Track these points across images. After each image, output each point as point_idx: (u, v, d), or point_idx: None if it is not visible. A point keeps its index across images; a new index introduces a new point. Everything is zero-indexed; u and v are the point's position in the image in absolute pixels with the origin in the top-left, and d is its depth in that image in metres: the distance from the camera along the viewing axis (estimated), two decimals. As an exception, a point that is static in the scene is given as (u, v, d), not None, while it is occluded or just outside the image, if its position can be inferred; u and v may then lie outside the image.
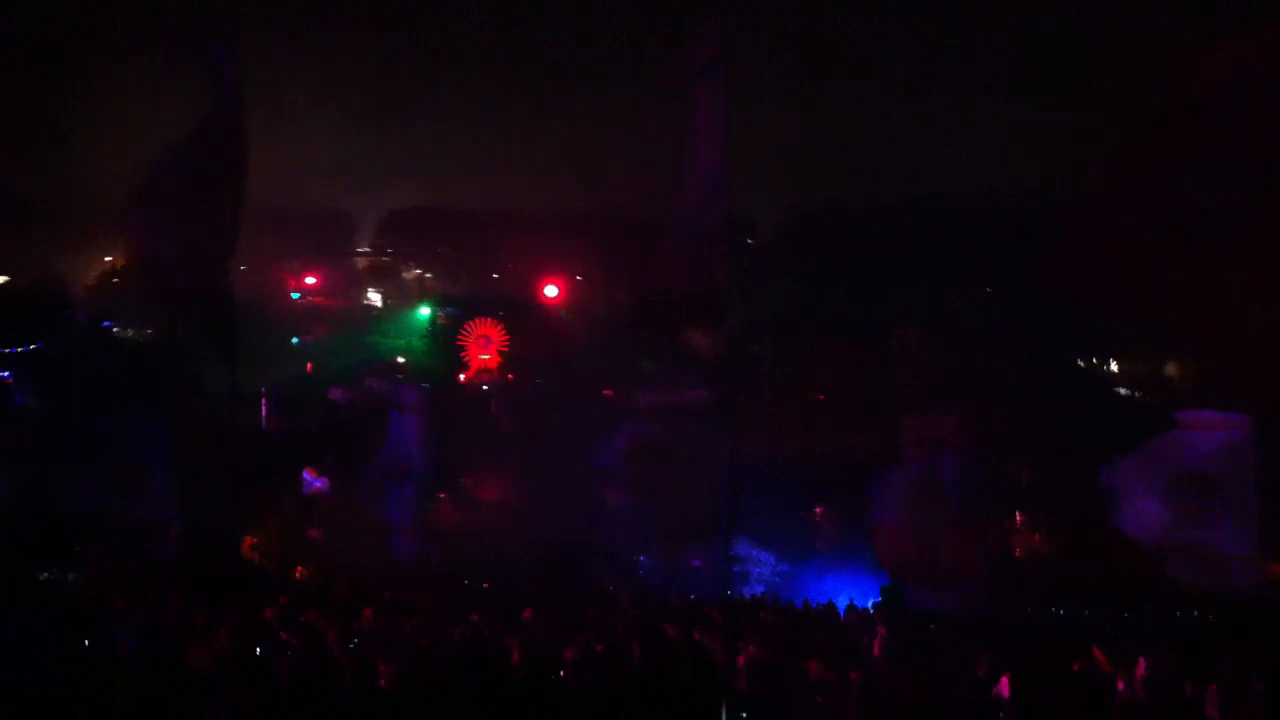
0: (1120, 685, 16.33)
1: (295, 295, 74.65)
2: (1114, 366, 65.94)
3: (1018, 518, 38.91)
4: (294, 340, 68.19)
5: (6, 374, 45.67)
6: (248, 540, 33.40)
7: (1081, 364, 64.05)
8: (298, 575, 31.33)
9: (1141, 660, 16.68)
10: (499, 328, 61.00)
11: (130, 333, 62.63)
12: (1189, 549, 19.13)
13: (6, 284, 61.83)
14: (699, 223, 14.66)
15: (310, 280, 76.36)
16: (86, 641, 14.40)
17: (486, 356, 61.14)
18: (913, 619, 21.11)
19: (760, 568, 36.29)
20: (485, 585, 29.02)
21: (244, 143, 15.19)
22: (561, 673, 15.67)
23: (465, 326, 61.65)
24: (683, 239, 14.96)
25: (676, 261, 15.09)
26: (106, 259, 76.69)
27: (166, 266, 14.82)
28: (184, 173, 14.61)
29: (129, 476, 23.31)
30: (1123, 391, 61.08)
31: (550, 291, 63.22)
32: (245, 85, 15.58)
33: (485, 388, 59.70)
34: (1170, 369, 60.23)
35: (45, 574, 26.15)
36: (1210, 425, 18.93)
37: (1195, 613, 25.12)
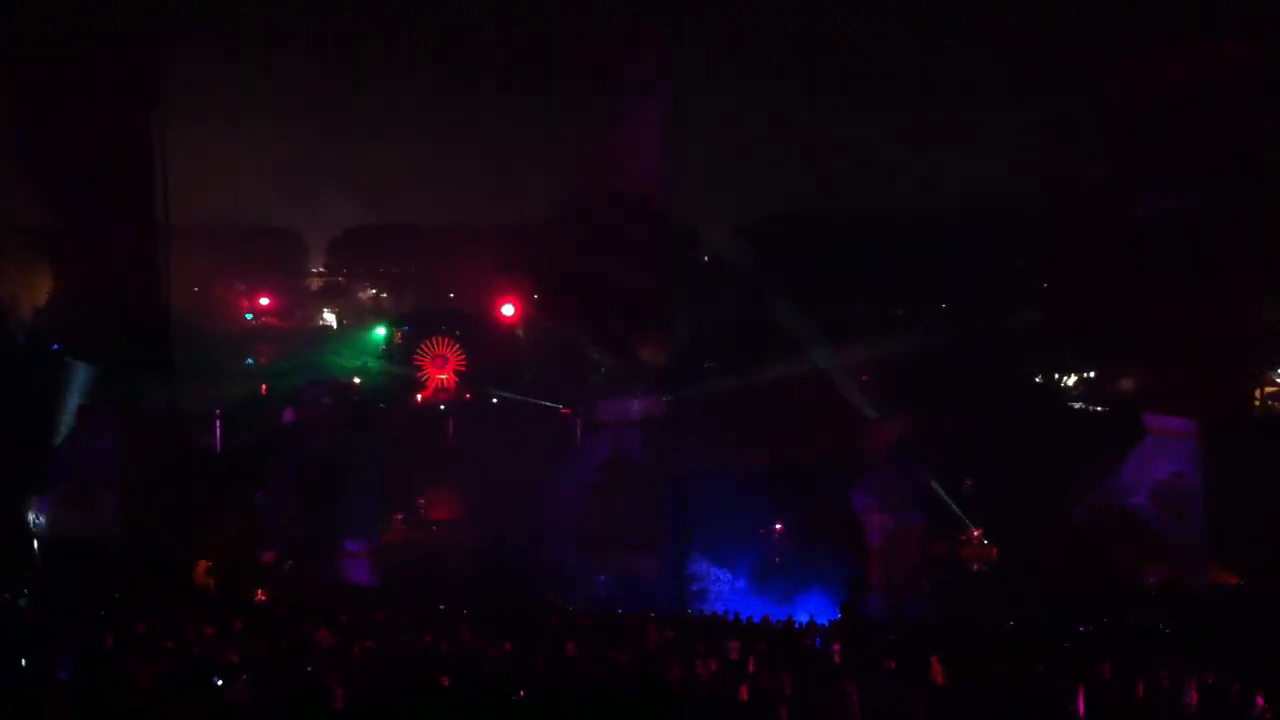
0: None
1: (249, 316, 74.01)
2: (1069, 380, 66.59)
3: (974, 532, 39.07)
4: (248, 361, 67.55)
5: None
6: (202, 564, 32.95)
7: (1038, 379, 64.57)
8: (258, 598, 30.91)
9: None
10: (455, 346, 60.72)
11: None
12: (1152, 549, 19.53)
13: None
14: (642, 236, 14.70)
15: (264, 301, 75.68)
16: (23, 662, 14.14)
17: (444, 376, 60.81)
18: (872, 632, 21.17)
19: (718, 585, 36.17)
20: (440, 606, 28.76)
21: (158, 160, 15.05)
22: (522, 693, 15.57)
23: (422, 345, 61.32)
24: (628, 252, 14.99)
25: (623, 274, 15.11)
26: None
27: (92, 286, 14.63)
28: (100, 192, 14.46)
29: (77, 497, 23.08)
30: (1077, 405, 61.58)
31: (507, 310, 62.93)
32: (175, 107, 15.44)
33: (442, 407, 59.37)
34: (1123, 383, 60.88)
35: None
36: (1169, 433, 19.27)
37: (1149, 618, 25.32)
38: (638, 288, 14.18)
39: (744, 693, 16.05)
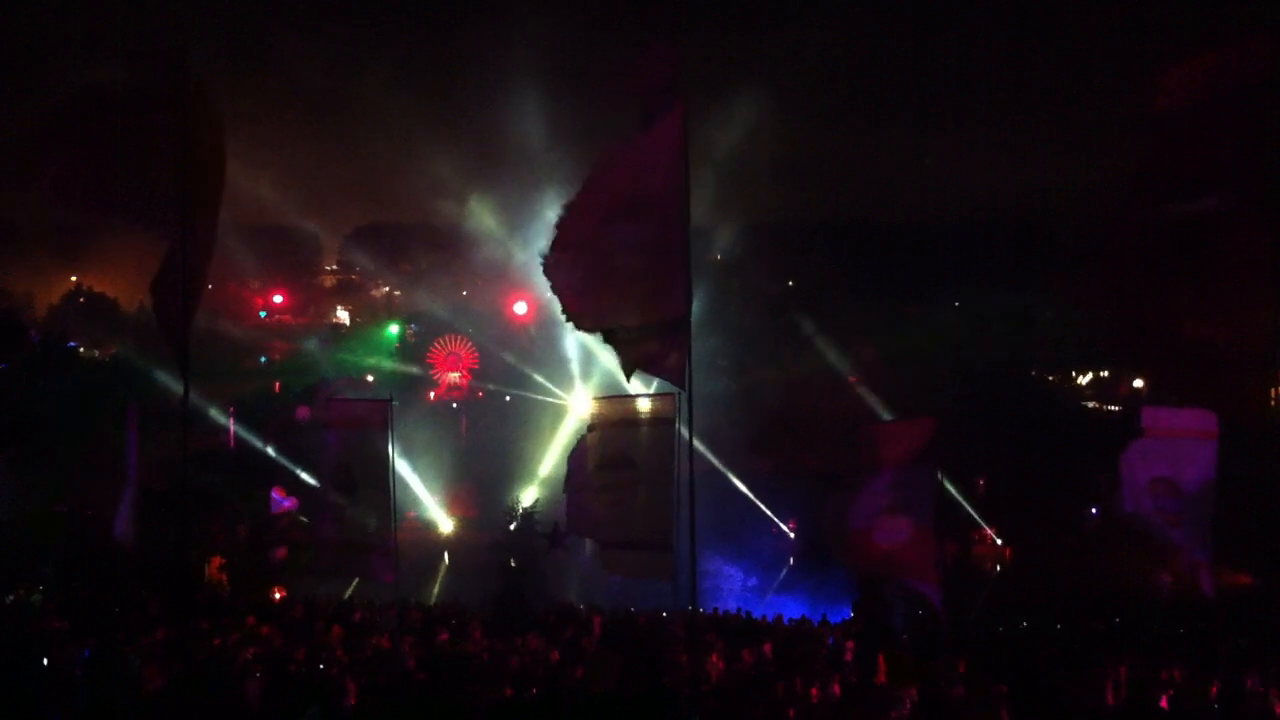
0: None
1: (263, 314, 74.26)
2: (1082, 380, 66.52)
3: (987, 531, 39.08)
4: (262, 359, 67.80)
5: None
6: (215, 561, 33.05)
7: (1051, 378, 64.54)
8: (275, 597, 31.02)
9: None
10: (468, 345, 60.77)
11: (95, 352, 62.17)
12: (1161, 553, 19.46)
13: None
14: (659, 239, 14.69)
15: (278, 299, 76.00)
16: (45, 661, 14.20)
17: (457, 373, 60.88)
18: (884, 632, 21.14)
19: (730, 582, 36.22)
20: (453, 605, 28.79)
21: (223, 158, 15.09)
22: (534, 690, 15.59)
23: (435, 343, 61.39)
24: (644, 257, 14.95)
25: (640, 279, 15.06)
26: (71, 279, 76.34)
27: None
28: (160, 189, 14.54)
29: (89, 496, 23.10)
30: (1090, 405, 61.58)
31: (519, 308, 63.02)
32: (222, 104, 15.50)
33: (455, 404, 59.47)
34: (1137, 381, 60.85)
35: (10, 597, 25.76)
36: (1179, 431, 19.08)
37: (1155, 622, 25.27)
38: (653, 288, 14.24)
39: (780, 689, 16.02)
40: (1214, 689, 16.13)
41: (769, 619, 25.33)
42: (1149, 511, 19.36)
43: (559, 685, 15.16)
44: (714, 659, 18.41)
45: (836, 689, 16.11)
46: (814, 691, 15.84)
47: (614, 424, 17.42)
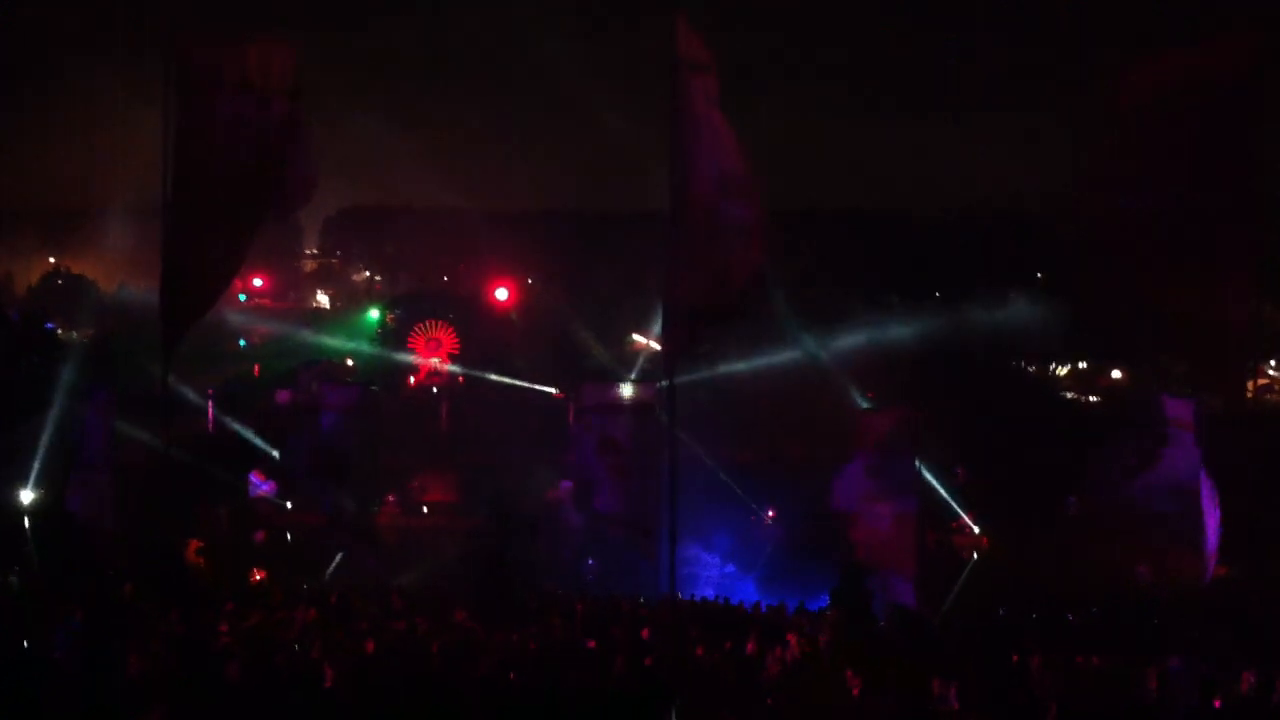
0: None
1: (242, 297, 73.95)
2: (1061, 370, 66.77)
3: (965, 520, 39.17)
4: (241, 343, 67.50)
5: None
6: (193, 544, 32.91)
7: (1030, 369, 64.73)
8: (253, 580, 30.89)
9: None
10: (449, 330, 60.57)
11: (74, 334, 61.79)
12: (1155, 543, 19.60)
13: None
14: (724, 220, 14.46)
15: (258, 282, 75.70)
16: (25, 644, 14.12)
17: (437, 359, 60.69)
18: (862, 620, 21.19)
19: (708, 570, 36.21)
20: (433, 589, 28.75)
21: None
22: (511, 675, 15.57)
23: (415, 328, 61.17)
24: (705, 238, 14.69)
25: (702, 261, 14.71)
26: (50, 260, 75.93)
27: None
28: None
29: (68, 478, 23.06)
30: (1068, 395, 61.82)
31: (501, 294, 62.91)
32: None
33: (435, 390, 59.32)
34: (1116, 373, 61.23)
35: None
36: (1178, 422, 19.22)
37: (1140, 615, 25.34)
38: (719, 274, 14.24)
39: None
40: (1245, 681, 16.09)
41: (746, 605, 25.38)
42: (1158, 504, 19.51)
43: (561, 679, 15.10)
44: (749, 648, 18.32)
45: (802, 675, 16.14)
46: (856, 682, 15.80)
47: (598, 410, 17.56)
